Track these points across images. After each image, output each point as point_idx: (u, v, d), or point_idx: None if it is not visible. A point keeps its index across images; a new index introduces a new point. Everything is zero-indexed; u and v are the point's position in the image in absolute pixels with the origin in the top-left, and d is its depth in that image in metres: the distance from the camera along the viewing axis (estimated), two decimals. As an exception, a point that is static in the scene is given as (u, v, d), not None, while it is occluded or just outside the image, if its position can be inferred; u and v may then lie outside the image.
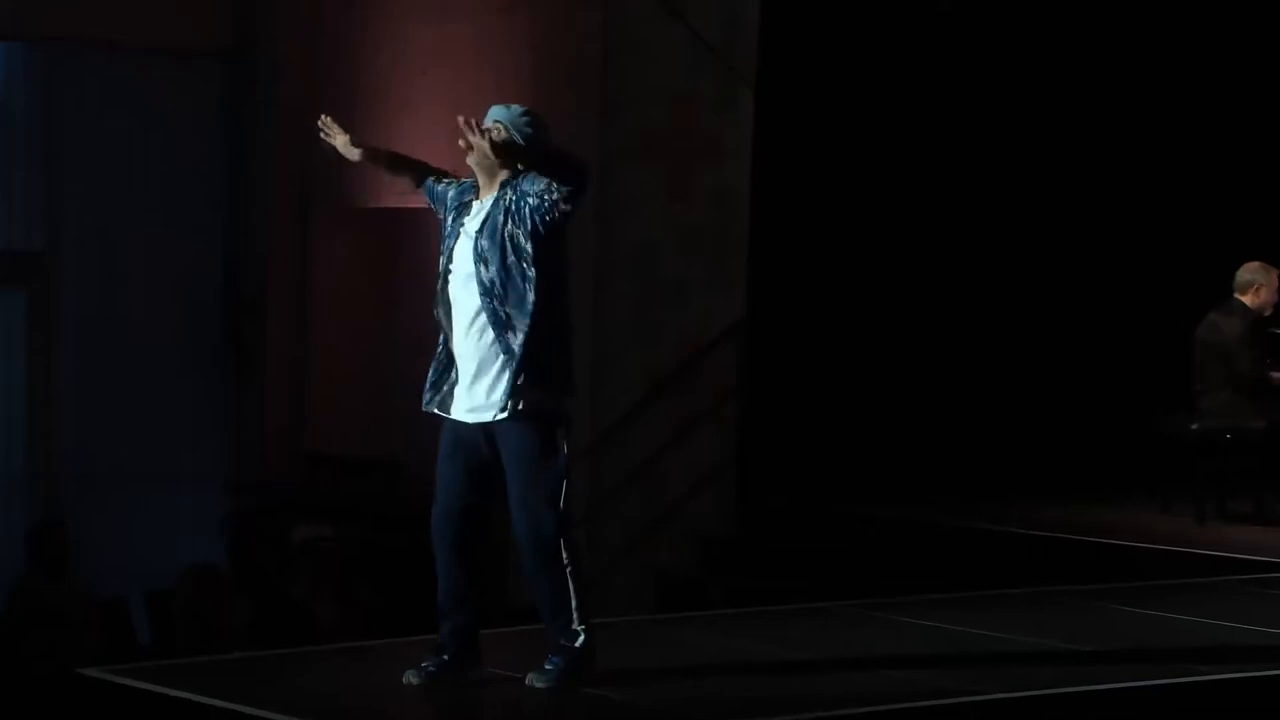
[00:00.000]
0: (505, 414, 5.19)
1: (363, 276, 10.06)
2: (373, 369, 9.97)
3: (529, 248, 5.16)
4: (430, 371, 5.41)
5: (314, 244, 10.03)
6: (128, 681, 5.47)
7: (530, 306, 5.13)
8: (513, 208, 5.22)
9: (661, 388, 9.47)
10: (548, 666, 5.31)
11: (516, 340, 5.17)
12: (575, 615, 5.22)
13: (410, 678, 5.37)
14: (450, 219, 5.38)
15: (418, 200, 9.70)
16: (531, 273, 5.14)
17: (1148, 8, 10.10)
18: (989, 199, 10.07)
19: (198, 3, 9.74)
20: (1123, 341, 9.86)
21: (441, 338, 5.37)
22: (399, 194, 9.76)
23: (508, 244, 5.18)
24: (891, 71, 9.84)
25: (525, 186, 5.25)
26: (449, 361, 5.34)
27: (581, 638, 5.26)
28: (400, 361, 9.94)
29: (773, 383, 9.65)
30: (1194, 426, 8.63)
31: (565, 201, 5.16)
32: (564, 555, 5.20)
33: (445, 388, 5.36)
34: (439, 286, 5.33)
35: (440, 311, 5.32)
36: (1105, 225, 10.20)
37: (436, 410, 5.40)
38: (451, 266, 5.29)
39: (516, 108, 5.39)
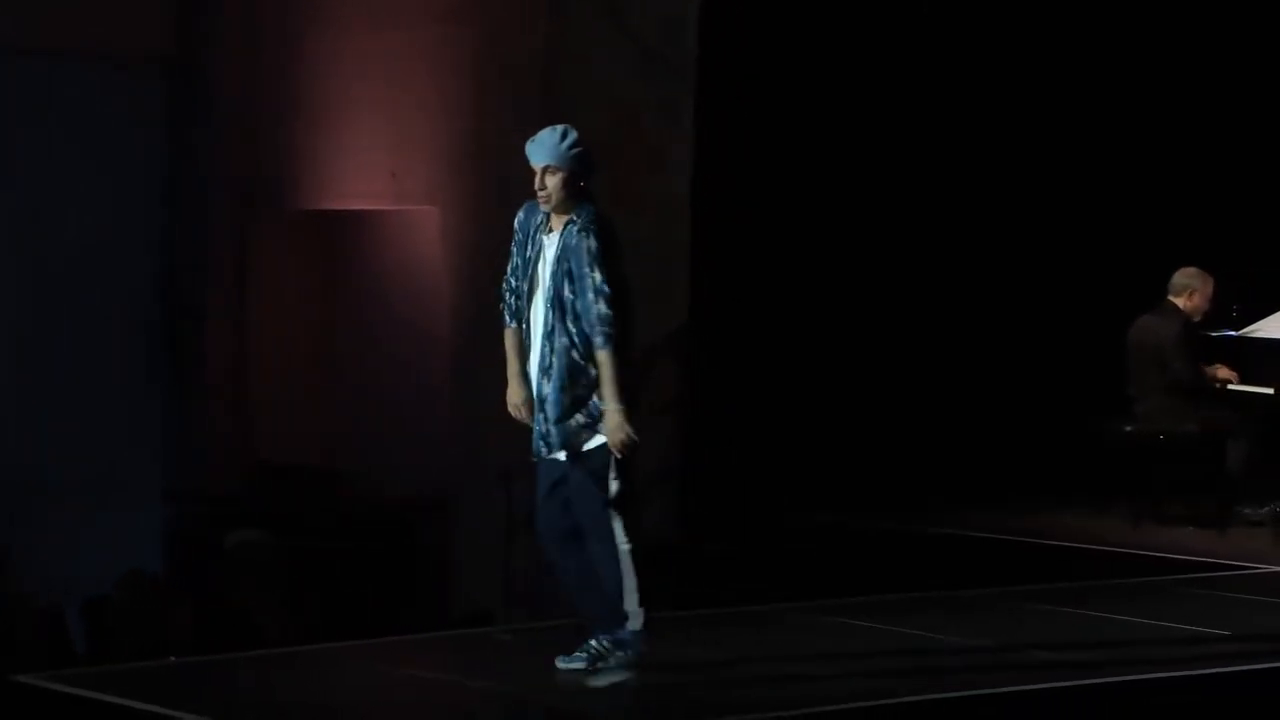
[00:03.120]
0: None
1: (306, 281, 10.02)
2: (316, 375, 9.93)
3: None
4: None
5: (256, 248, 9.99)
6: (63, 688, 5.43)
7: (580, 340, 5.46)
8: (567, 251, 5.50)
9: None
10: (593, 643, 5.52)
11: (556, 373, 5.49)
12: (628, 599, 5.44)
13: (560, 662, 5.59)
14: (529, 235, 5.63)
15: (361, 203, 9.78)
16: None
17: (1088, 15, 10.19)
18: (929, 204, 10.12)
19: (139, 9, 9.69)
20: (1059, 345, 9.93)
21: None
22: (342, 196, 9.80)
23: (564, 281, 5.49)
24: (832, 76, 9.89)
25: (573, 241, 5.50)
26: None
27: (630, 620, 5.47)
28: (344, 367, 9.91)
29: (716, 389, 9.67)
30: (1128, 429, 8.70)
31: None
32: (617, 537, 5.42)
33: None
34: (524, 301, 5.58)
35: (525, 323, 5.57)
36: (1041, 229, 10.27)
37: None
38: (535, 287, 5.56)
39: (558, 138, 5.57)
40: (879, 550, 8.42)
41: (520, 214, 5.64)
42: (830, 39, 9.90)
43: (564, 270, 5.46)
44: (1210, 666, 5.87)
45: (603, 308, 5.41)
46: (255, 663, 6.06)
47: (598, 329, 5.41)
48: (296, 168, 9.82)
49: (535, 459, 5.56)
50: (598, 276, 5.42)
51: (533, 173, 5.61)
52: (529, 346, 5.54)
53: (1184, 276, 8.82)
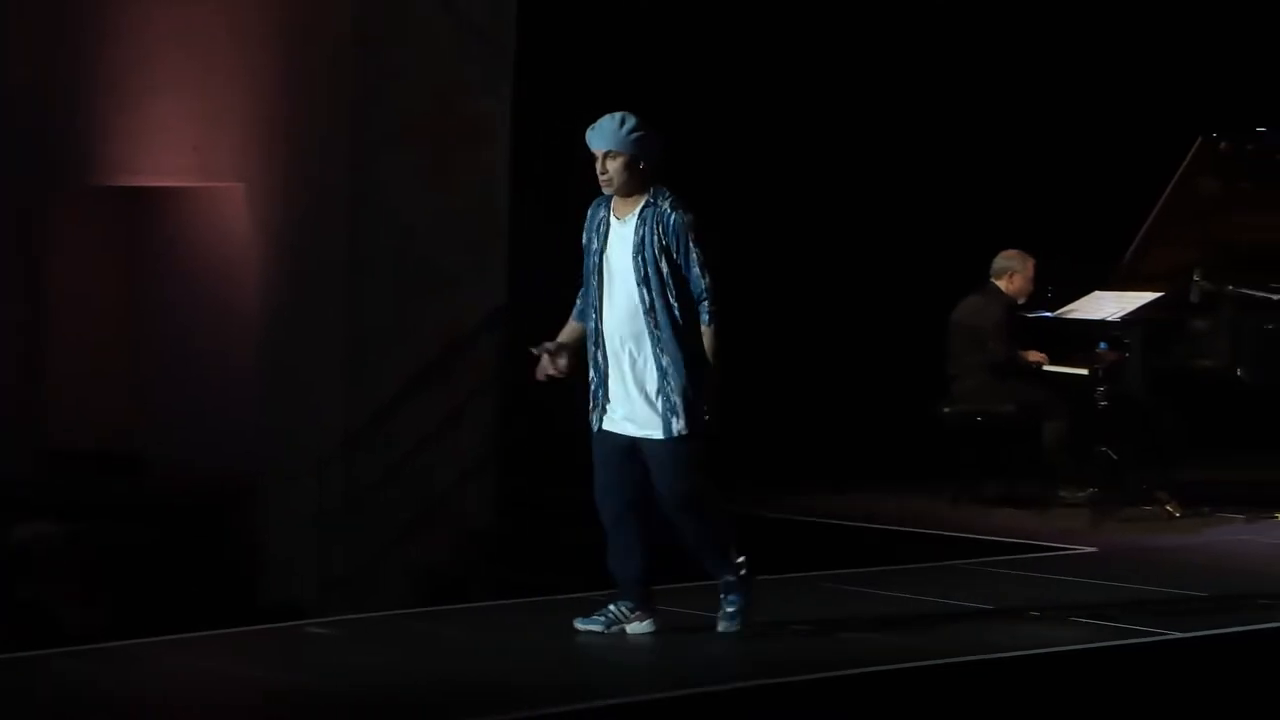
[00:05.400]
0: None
1: (105, 258, 9.91)
2: (116, 357, 9.83)
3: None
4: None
5: (52, 224, 9.85)
6: None
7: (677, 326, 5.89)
8: (655, 233, 5.88)
9: (422, 378, 9.52)
10: (729, 609, 6.07)
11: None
12: (731, 553, 6.07)
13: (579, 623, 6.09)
14: (593, 232, 6.00)
15: (165, 179, 9.69)
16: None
17: (905, 6, 10.45)
18: (753, 183, 10.30)
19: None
20: (882, 327, 10.17)
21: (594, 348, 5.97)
22: (144, 172, 9.70)
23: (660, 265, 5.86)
24: (657, 47, 10.01)
25: (669, 219, 5.91)
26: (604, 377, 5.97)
27: (744, 570, 6.09)
28: (145, 348, 9.82)
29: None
30: (946, 410, 8.98)
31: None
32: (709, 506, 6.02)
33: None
34: (592, 295, 5.96)
35: (593, 322, 5.96)
36: (864, 212, 10.52)
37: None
38: (611, 276, 5.97)
39: (617, 124, 5.92)
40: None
41: (589, 212, 6.03)
42: (653, 9, 10.01)
43: (656, 249, 5.84)
44: (1017, 648, 6.08)
45: (708, 280, 5.87)
46: (49, 661, 5.97)
47: (705, 302, 5.88)
48: (96, 142, 9.70)
49: (599, 432, 5.94)
50: (700, 251, 5.85)
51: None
52: (594, 332, 5.94)
53: (1004, 259, 9.13)
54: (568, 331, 6.11)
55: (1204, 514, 8.63)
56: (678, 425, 5.88)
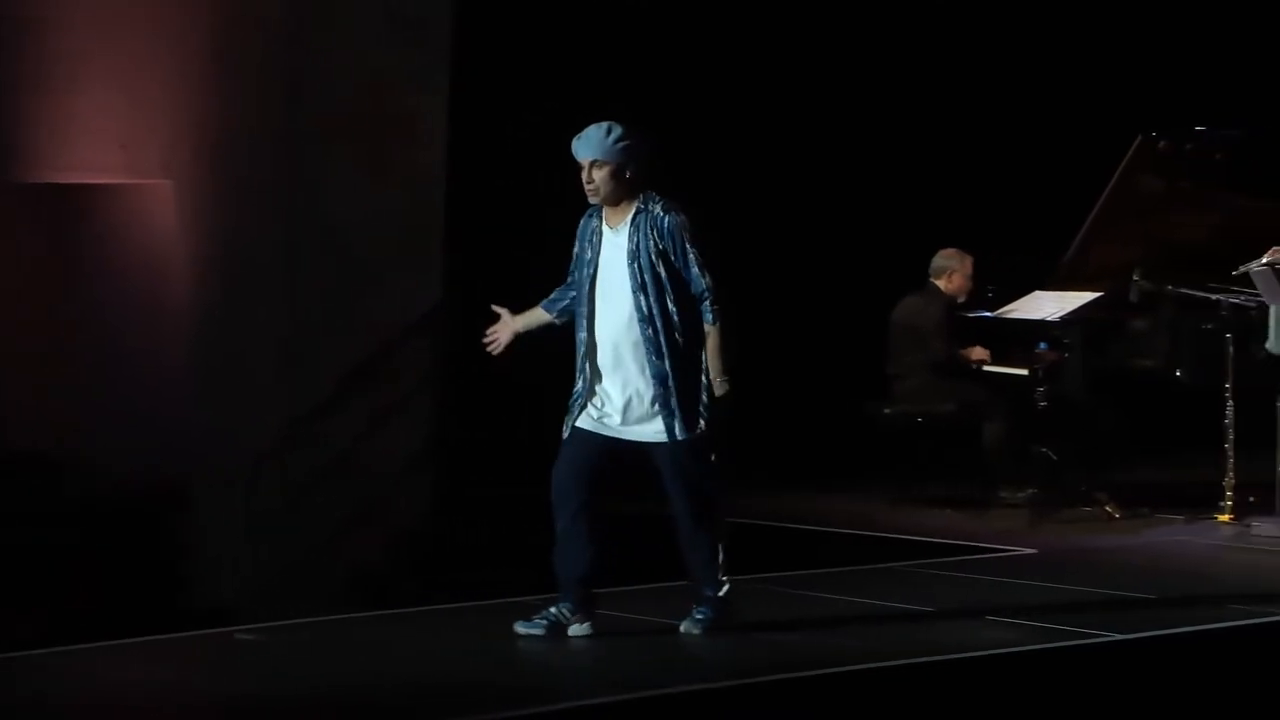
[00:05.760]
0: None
1: (27, 256, 9.78)
2: (40, 357, 9.72)
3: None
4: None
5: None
6: None
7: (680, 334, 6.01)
8: (650, 238, 5.93)
9: (356, 376, 9.49)
10: (697, 617, 6.20)
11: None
12: (722, 569, 6.20)
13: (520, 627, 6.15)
14: (585, 241, 6.06)
15: (90, 175, 9.61)
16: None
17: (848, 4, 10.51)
18: (696, 181, 10.30)
19: None
20: (829, 327, 10.22)
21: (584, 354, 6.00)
22: (69, 168, 9.61)
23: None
24: (593, 43, 10.02)
25: (664, 222, 5.97)
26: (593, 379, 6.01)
27: (726, 588, 6.19)
28: (71, 348, 9.72)
29: (476, 369, 9.74)
30: (887, 411, 9.03)
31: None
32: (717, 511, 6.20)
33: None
34: (581, 302, 6.03)
35: (585, 332, 6.01)
36: (806, 210, 10.57)
37: None
38: (606, 285, 6.01)
39: (603, 134, 5.99)
40: (641, 536, 8.58)
41: (580, 222, 6.08)
42: (589, 6, 10.02)
43: (653, 254, 5.90)
44: (955, 651, 6.15)
45: (709, 279, 5.96)
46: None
47: (707, 301, 5.98)
48: (17, 136, 9.59)
49: (574, 430, 6.03)
50: (696, 250, 5.94)
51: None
52: (586, 343, 6.00)
53: (943, 258, 9.21)
54: (529, 314, 6.18)
55: (1143, 515, 8.72)
56: (685, 427, 5.97)
